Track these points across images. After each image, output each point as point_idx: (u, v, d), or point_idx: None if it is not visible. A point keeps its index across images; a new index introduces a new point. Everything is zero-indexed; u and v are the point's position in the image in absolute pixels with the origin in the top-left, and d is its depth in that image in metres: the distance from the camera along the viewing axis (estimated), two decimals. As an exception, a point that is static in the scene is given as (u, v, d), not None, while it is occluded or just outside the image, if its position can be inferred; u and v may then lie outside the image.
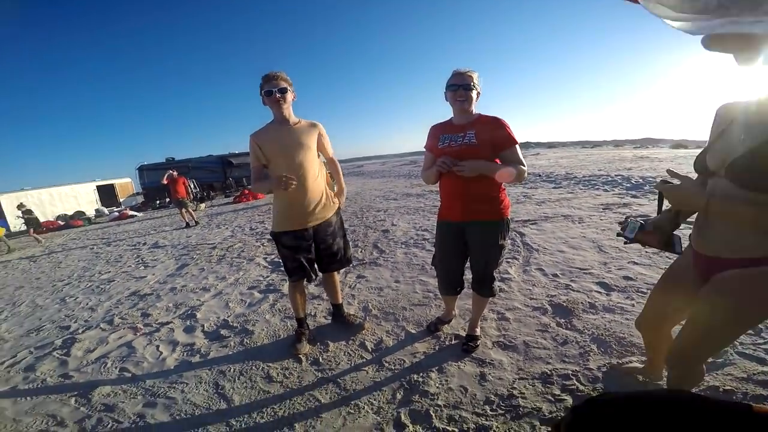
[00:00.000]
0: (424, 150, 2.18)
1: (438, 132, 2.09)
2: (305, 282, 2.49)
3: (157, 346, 2.84)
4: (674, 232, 1.40)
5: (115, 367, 2.61)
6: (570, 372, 1.98)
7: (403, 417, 1.80)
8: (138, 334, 3.12)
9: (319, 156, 2.44)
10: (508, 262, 3.73)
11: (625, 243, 1.49)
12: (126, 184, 24.20)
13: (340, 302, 2.79)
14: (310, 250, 2.40)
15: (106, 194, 22.38)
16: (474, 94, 1.95)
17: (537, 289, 3.06)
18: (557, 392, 1.85)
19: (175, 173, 10.15)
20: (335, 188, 2.63)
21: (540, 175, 11.18)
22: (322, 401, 1.99)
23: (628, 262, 3.33)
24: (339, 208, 2.54)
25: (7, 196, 18.01)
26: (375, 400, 1.95)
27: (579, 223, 4.93)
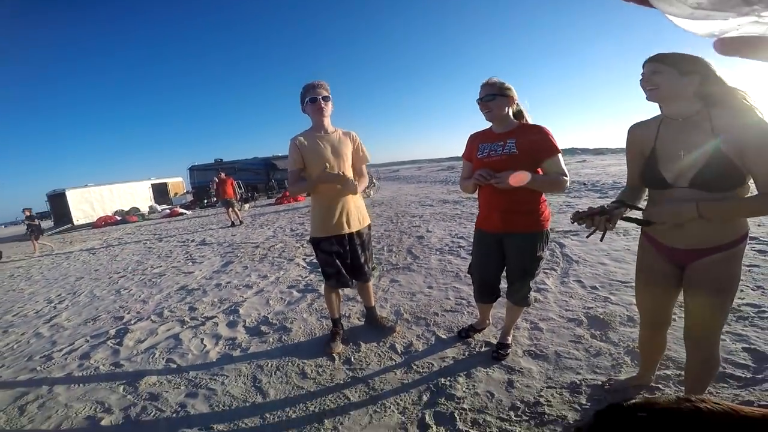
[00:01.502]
0: (462, 159, 2.18)
1: (477, 141, 2.07)
2: (342, 287, 2.56)
3: (202, 339, 3.04)
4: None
5: (162, 358, 2.81)
6: (599, 382, 1.96)
7: (427, 418, 1.83)
8: (185, 326, 3.36)
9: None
10: (545, 272, 3.64)
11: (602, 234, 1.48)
12: (178, 183, 25.79)
13: (373, 305, 2.87)
14: (347, 256, 2.48)
15: (160, 192, 23.96)
16: (498, 102, 1.91)
17: (574, 300, 2.98)
18: (584, 402, 1.83)
19: (223, 174, 10.67)
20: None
21: (585, 184, 10.70)
22: (351, 399, 2.06)
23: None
24: (369, 223, 2.59)
25: (73, 191, 19.69)
26: (401, 400, 2.00)
27: (624, 235, 4.65)
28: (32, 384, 2.66)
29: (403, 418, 1.86)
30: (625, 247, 4.20)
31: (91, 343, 3.30)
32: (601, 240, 1.52)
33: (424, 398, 1.99)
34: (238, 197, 11.61)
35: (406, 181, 21.93)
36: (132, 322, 3.67)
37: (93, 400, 2.36)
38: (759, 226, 4.46)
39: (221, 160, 22.83)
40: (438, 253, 4.77)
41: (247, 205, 15.55)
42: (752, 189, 1.31)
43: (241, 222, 10.20)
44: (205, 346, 2.92)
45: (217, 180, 10.71)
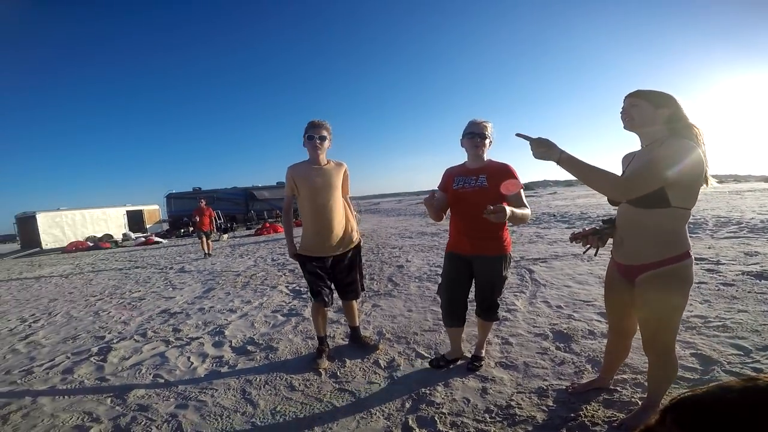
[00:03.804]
0: (437, 189, 2.44)
1: (454, 174, 2.37)
2: (324, 306, 2.75)
3: (188, 357, 3.10)
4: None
5: (150, 374, 2.86)
6: (564, 387, 2.18)
7: (410, 422, 2.00)
8: (170, 346, 3.41)
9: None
10: (515, 294, 3.94)
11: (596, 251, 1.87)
12: (154, 210, 25.28)
13: (357, 325, 3.05)
14: (328, 278, 2.72)
15: (134, 219, 23.39)
16: (487, 142, 2.26)
17: (541, 318, 3.27)
18: (551, 404, 2.05)
19: (203, 204, 10.48)
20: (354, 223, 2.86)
21: (554, 215, 11.39)
22: (339, 407, 2.20)
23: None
24: (359, 244, 2.85)
25: (45, 215, 19.08)
26: (386, 407, 2.16)
27: (588, 261, 5.12)
28: (13, 396, 2.66)
29: (388, 422, 2.02)
30: (588, 272, 4.61)
31: (72, 359, 3.29)
32: (595, 255, 1.87)
33: (407, 405, 2.16)
34: (215, 228, 11.36)
35: (386, 214, 22.36)
36: (114, 341, 3.67)
37: (80, 411, 2.39)
38: (709, 248, 5.22)
39: (200, 188, 22.68)
40: (417, 280, 5.01)
41: (225, 236, 15.41)
42: (675, 215, 1.52)
43: (210, 254, 9.72)
44: (192, 363, 2.99)
45: (198, 209, 10.41)
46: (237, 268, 7.35)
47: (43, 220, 18.76)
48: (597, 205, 13.34)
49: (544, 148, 1.56)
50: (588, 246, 1.82)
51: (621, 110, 1.67)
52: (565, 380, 2.26)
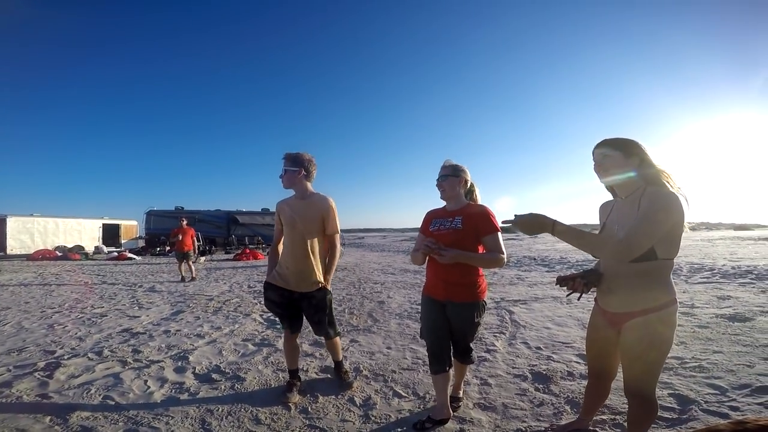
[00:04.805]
0: (419, 232, 2.40)
1: (432, 216, 2.32)
2: (290, 332, 2.66)
3: (146, 381, 2.87)
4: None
5: (99, 395, 2.63)
6: (543, 428, 2.13)
7: (382, 463, 1.85)
8: (127, 367, 3.16)
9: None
10: (495, 335, 3.87)
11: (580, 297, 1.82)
12: (132, 226, 24.51)
13: (340, 359, 2.90)
14: (286, 309, 2.61)
15: (110, 233, 22.56)
16: (450, 182, 2.19)
17: (520, 359, 3.21)
18: None
19: (185, 223, 9.74)
20: (327, 264, 2.67)
21: (535, 259, 11.59)
22: (307, 445, 2.03)
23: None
24: (323, 287, 2.60)
25: (16, 219, 18.22)
26: (358, 447, 2.00)
27: (567, 304, 5.17)
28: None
29: (359, 463, 1.86)
30: (567, 314, 4.64)
31: (14, 372, 3.03)
32: (579, 299, 1.84)
33: (380, 445, 2.01)
34: (196, 250, 10.68)
35: (370, 249, 22.25)
36: (65, 357, 3.40)
37: (12, 427, 2.17)
38: (684, 293, 5.51)
39: (182, 207, 22.16)
40: (397, 317, 4.87)
41: (203, 258, 14.91)
42: (661, 265, 1.53)
43: (193, 278, 8.99)
44: (149, 387, 2.77)
45: (180, 228, 9.50)
46: (210, 293, 7.05)
47: (13, 224, 17.90)
48: (575, 250, 13.73)
49: (530, 226, 1.55)
50: (572, 290, 1.79)
51: (594, 165, 1.68)
52: (544, 422, 2.21)
